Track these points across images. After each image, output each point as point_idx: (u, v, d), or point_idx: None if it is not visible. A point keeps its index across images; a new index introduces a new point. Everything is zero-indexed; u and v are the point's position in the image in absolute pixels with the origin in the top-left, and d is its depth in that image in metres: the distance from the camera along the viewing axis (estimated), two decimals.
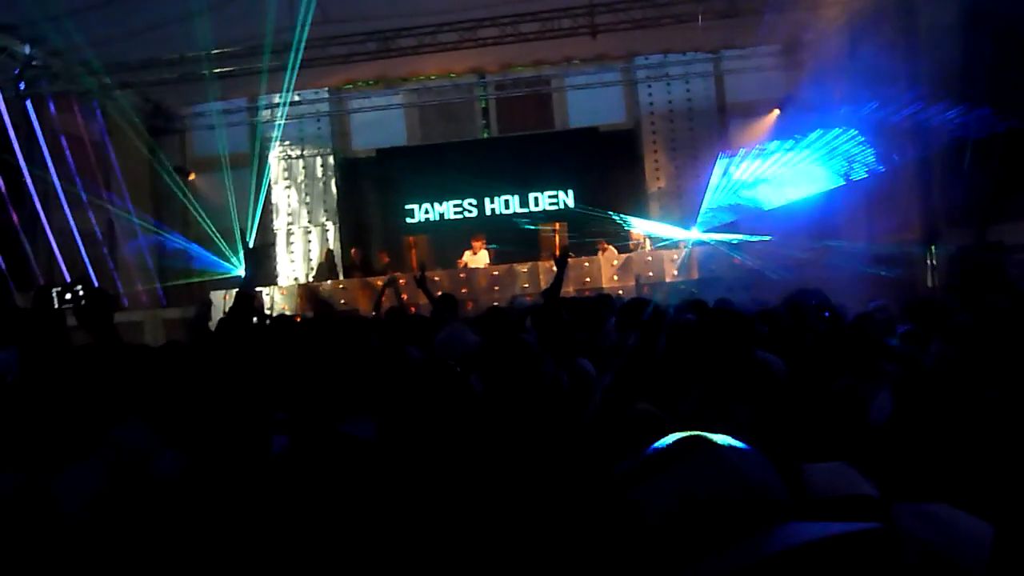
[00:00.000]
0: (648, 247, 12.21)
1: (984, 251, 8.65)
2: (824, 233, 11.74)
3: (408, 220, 14.54)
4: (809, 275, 10.29)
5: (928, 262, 9.83)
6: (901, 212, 10.59)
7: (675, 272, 11.15)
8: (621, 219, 12.78)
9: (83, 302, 2.18)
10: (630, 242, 12.34)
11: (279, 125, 14.96)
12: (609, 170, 14.35)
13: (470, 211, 14.63)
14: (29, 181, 11.19)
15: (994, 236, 9.04)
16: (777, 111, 14.02)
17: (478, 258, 12.16)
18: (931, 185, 9.86)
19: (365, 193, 15.25)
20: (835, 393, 2.98)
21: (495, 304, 10.04)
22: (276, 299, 12.01)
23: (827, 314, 4.51)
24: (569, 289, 10.90)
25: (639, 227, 12.60)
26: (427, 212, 14.67)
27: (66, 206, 11.66)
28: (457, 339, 3.43)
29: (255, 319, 2.65)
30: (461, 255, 12.35)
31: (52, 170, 11.52)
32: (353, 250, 13.80)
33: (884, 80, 10.81)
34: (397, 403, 2.43)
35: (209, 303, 2.68)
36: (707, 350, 2.58)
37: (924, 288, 9.45)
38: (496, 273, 11.65)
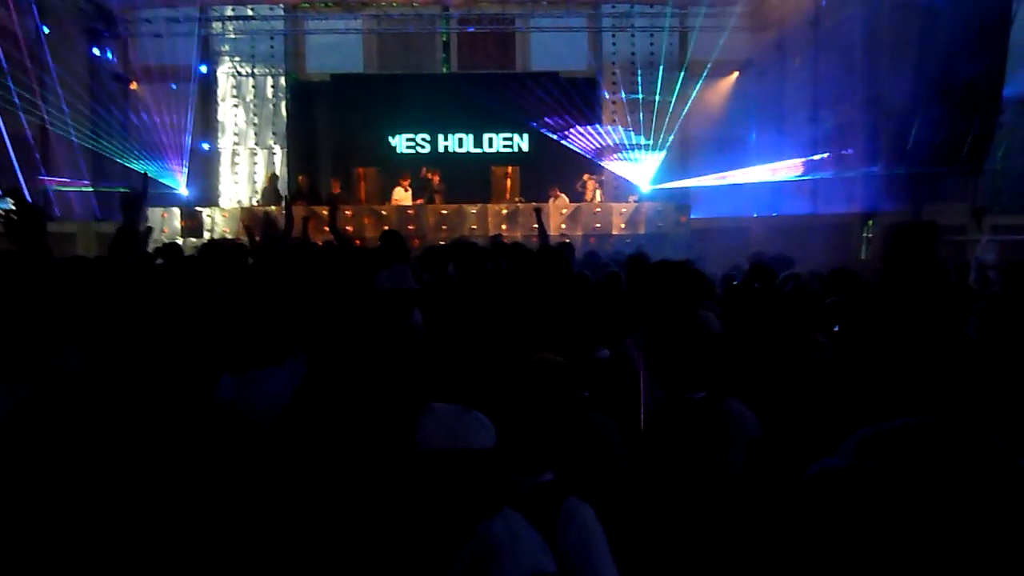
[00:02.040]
0: (599, 198, 12.26)
1: (916, 229, 8.96)
2: (770, 200, 11.99)
3: (360, 151, 14.24)
4: (752, 239, 10.54)
5: (864, 235, 10.14)
6: (843, 186, 10.87)
7: (622, 225, 11.25)
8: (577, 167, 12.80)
9: (13, 217, 2.09)
10: (583, 189, 12.35)
11: (230, 39, 14.39)
12: (566, 117, 14.26)
13: (423, 147, 14.41)
14: None
15: (929, 215, 9.37)
16: (737, 73, 14.09)
17: (406, 195, 12.02)
18: (875, 161, 10.12)
19: (317, 119, 14.84)
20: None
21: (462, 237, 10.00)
22: (217, 220, 11.71)
23: (757, 284, 4.62)
24: (517, 235, 10.91)
25: (594, 177, 12.61)
26: (379, 144, 14.38)
27: None
28: (398, 278, 3.43)
29: (140, 254, 2.58)
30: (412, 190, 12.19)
31: None
32: (300, 177, 13.49)
33: (842, 53, 10.95)
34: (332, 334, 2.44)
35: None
36: (650, 301, 2.64)
37: (857, 260, 9.77)
38: (444, 212, 11.56)
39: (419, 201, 11.91)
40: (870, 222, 10.26)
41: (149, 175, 2.94)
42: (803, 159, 11.55)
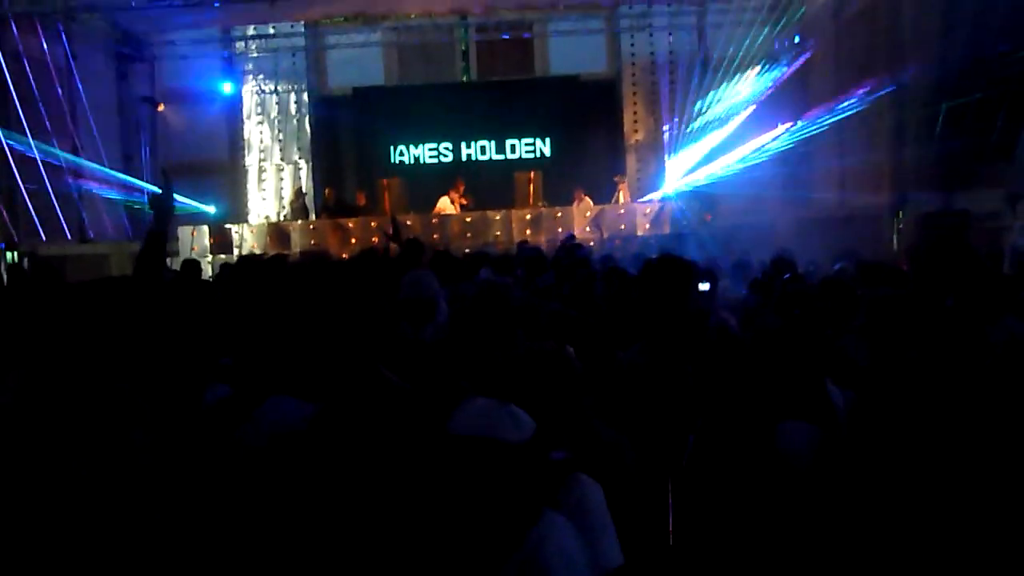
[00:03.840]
0: (626, 200, 12.20)
1: (950, 218, 8.77)
2: (796, 195, 11.82)
3: (383, 162, 14.35)
4: (780, 234, 10.40)
5: (895, 225, 9.95)
6: (872, 175, 10.68)
7: (647, 226, 11.18)
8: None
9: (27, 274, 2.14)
10: (616, 187, 12.26)
11: (253, 58, 14.61)
12: (588, 120, 14.24)
13: (445, 155, 14.47)
14: None
15: (961, 203, 9.16)
16: (758, 67, 13.93)
17: (456, 205, 12.04)
18: (903, 149, 9.93)
19: (340, 132, 15.00)
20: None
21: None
22: (245, 236, 11.87)
23: (788, 275, 4.57)
24: (541, 239, 10.90)
25: (621, 177, 12.56)
26: (403, 154, 14.48)
27: (28, 133, 11.32)
28: (421, 285, 3.44)
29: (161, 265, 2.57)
30: (435, 199, 12.24)
31: (13, 94, 11.15)
32: (328, 190, 13.63)
33: (865, 42, 10.78)
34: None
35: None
36: (647, 300, 2.61)
37: (889, 251, 9.59)
38: (469, 220, 11.60)
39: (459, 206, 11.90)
40: (900, 212, 10.07)
41: (167, 172, 2.95)
42: (830, 147, 11.37)
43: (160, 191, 2.59)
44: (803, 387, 2.17)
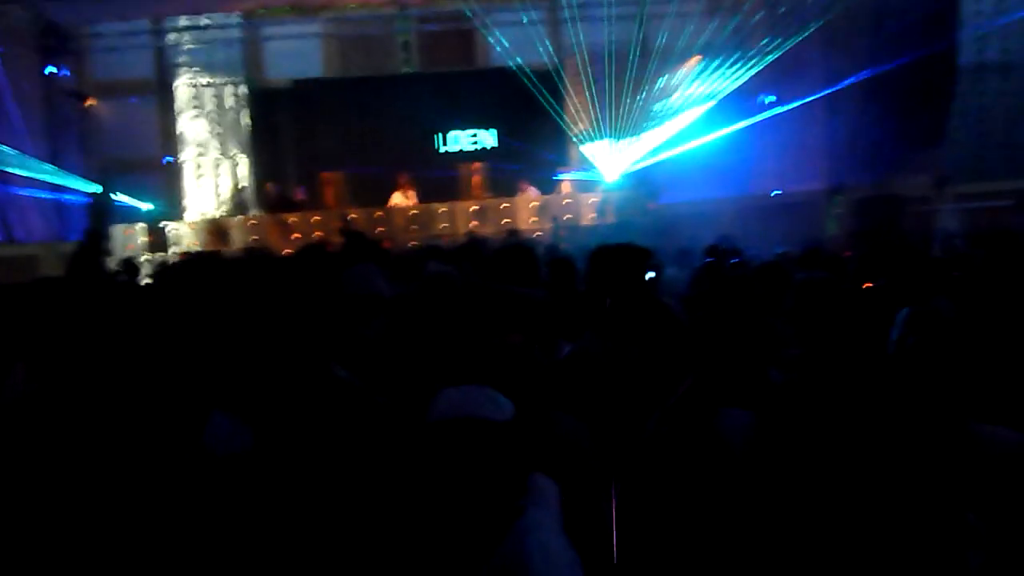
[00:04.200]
0: (568, 190, 12.25)
1: (882, 202, 9.06)
2: (737, 182, 12.06)
3: (324, 155, 14.10)
4: (721, 221, 10.59)
5: (832, 211, 10.23)
6: (808, 162, 10.96)
7: (592, 215, 11.26)
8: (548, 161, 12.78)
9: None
10: (556, 184, 12.33)
11: (186, 50, 14.19)
12: (531, 110, 14.23)
13: (390, 148, 14.29)
14: None
15: (894, 188, 9.47)
16: (699, 57, 14.13)
17: (408, 198, 11.93)
18: (838, 137, 10.21)
19: (280, 125, 14.67)
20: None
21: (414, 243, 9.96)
22: (182, 234, 11.55)
23: (736, 259, 4.65)
24: (487, 230, 10.88)
25: (564, 169, 12.62)
26: (345, 147, 14.25)
27: None
28: (365, 279, 3.38)
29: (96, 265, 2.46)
30: (378, 193, 12.10)
31: None
32: (267, 185, 13.35)
33: (798, 30, 11.02)
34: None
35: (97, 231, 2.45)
36: (600, 285, 2.62)
37: (826, 235, 9.85)
38: (414, 213, 11.51)
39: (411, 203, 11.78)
40: (837, 197, 10.36)
41: (106, 170, 2.84)
42: (768, 137, 11.63)
43: (99, 190, 2.50)
44: (744, 373, 2.19)
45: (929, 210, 9.05)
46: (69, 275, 2.40)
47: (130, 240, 11.24)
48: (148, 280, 7.14)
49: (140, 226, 11.48)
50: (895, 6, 9.12)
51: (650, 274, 3.53)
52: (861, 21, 9.66)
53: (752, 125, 12.17)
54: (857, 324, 2.55)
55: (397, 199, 11.85)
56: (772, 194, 11.54)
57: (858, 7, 9.82)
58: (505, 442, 1.58)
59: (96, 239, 2.43)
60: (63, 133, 13.15)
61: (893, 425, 1.31)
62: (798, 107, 11.42)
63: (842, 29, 10.21)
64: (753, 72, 11.91)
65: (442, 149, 14.23)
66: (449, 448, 1.56)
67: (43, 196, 12.29)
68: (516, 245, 4.13)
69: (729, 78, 12.70)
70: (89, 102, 13.60)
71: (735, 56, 13.04)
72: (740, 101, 12.33)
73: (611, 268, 2.66)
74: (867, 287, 3.80)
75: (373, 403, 2.14)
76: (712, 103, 12.64)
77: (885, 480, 1.29)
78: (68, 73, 13.60)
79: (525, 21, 13.62)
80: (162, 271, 6.63)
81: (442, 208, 11.43)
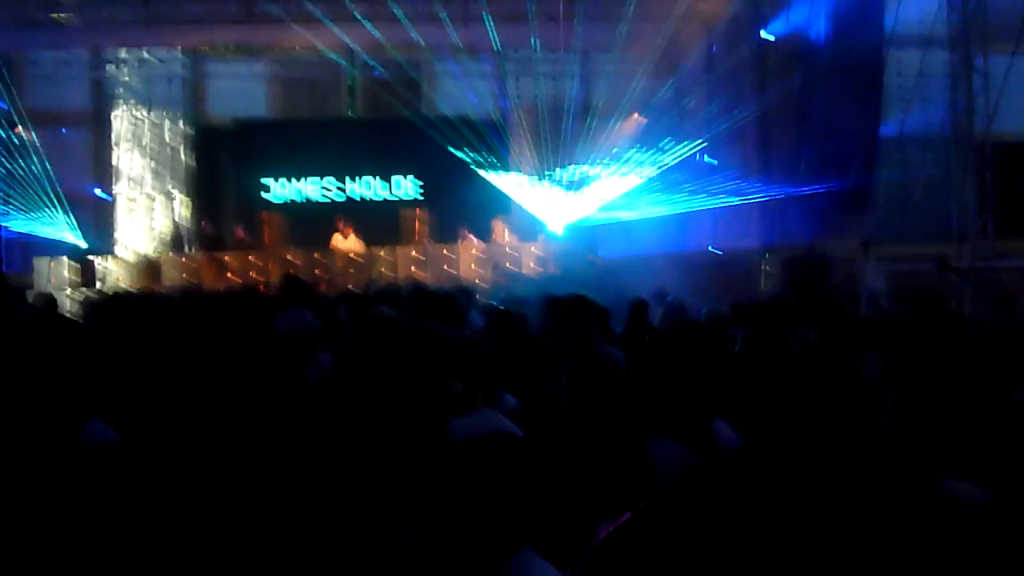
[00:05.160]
0: (507, 238, 12.35)
1: (812, 262, 9.40)
2: (674, 237, 12.37)
3: (264, 195, 13.90)
4: (660, 276, 10.81)
5: (763, 268, 10.56)
6: (740, 222, 11.34)
7: (532, 264, 11.36)
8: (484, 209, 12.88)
9: None
10: (491, 233, 12.42)
11: (126, 83, 13.93)
12: (474, 159, 14.38)
13: (329, 191, 14.19)
14: None
15: (820, 248, 9.86)
16: (637, 115, 14.58)
17: (349, 242, 11.81)
18: (768, 197, 10.61)
19: (219, 163, 14.43)
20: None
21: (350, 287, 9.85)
22: (111, 269, 11.18)
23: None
24: (428, 277, 10.86)
25: (501, 220, 12.73)
26: (285, 188, 14.09)
27: None
28: (295, 320, 3.33)
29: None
30: (319, 235, 11.97)
31: None
32: (203, 222, 13.08)
33: (734, 96, 11.51)
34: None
35: None
36: (563, 338, 2.65)
37: (758, 291, 10.15)
38: (354, 256, 11.41)
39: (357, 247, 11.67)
40: (767, 256, 10.72)
41: None
42: (702, 195, 12.00)
43: None
44: (685, 418, 2.24)
45: (855, 270, 9.44)
46: None
47: (53, 273, 10.81)
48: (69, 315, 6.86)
49: (64, 259, 11.06)
50: (821, 75, 9.64)
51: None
52: (789, 87, 10.17)
53: (688, 182, 12.56)
54: (804, 379, 2.63)
55: (337, 241, 11.75)
56: (709, 249, 11.87)
57: (786, 74, 10.35)
58: (528, 458, 1.62)
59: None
60: None
61: (863, 488, 1.34)
62: (732, 166, 11.86)
63: (772, 94, 10.71)
64: (693, 139, 12.35)
65: (383, 194, 14.22)
66: (485, 463, 1.57)
67: None
68: (445, 292, 4.15)
69: (669, 138, 13.13)
70: (17, 129, 13.15)
71: (674, 115, 13.51)
72: (681, 162, 12.72)
73: (574, 318, 2.69)
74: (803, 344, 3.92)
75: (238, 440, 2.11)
76: (653, 165, 13.02)
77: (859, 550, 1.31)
78: (2, 103, 13.18)
79: (466, 74, 13.88)
80: (88, 309, 6.39)
81: (381, 251, 11.37)
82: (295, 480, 1.65)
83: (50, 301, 7.25)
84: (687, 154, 12.92)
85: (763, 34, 10.98)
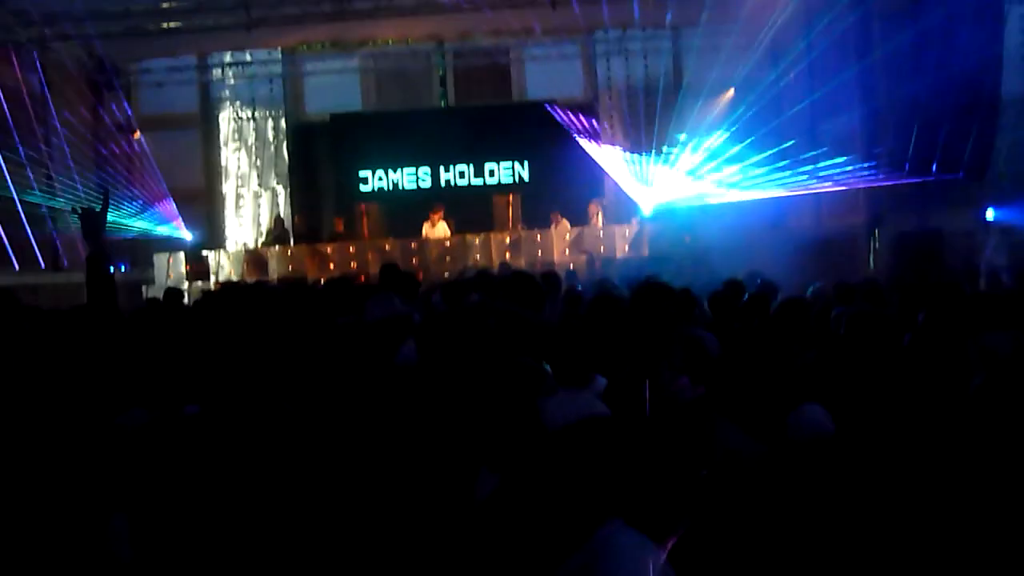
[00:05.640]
0: (600, 223, 12.22)
1: (924, 238, 8.87)
2: (774, 214, 11.92)
3: (361, 187, 14.29)
4: (758, 255, 10.45)
5: (871, 245, 10.04)
6: (848, 196, 10.78)
7: (626, 248, 11.20)
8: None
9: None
10: (588, 217, 12.31)
11: (230, 85, 14.58)
12: (565, 143, 14.30)
13: (424, 180, 14.45)
14: None
15: (935, 222, 9.27)
16: (732, 91, 14.10)
17: (437, 230, 12.01)
18: (877, 170, 10.04)
19: (318, 158, 14.95)
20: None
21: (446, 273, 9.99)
22: (222, 263, 11.75)
23: (746, 296, 4.58)
24: (521, 262, 10.89)
25: (596, 203, 12.60)
26: (380, 180, 14.43)
27: (2, 162, 11.19)
28: (384, 307, 3.39)
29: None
30: (414, 224, 12.20)
31: None
32: (296, 217, 13.60)
33: (836, 65, 10.94)
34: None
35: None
36: (635, 324, 2.59)
37: (866, 270, 9.66)
38: (448, 244, 11.57)
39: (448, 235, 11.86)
40: (876, 232, 10.17)
41: (108, 191, 2.90)
42: (805, 171, 11.49)
43: (88, 207, 2.54)
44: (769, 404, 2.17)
45: (973, 244, 8.84)
46: (88, 305, 2.45)
47: (172, 268, 11.47)
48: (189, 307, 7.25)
49: (180, 255, 11.71)
50: (936, 37, 9.00)
51: None
52: (896, 51, 9.54)
53: (789, 157, 12.06)
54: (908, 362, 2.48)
55: (427, 230, 11.94)
56: (778, 229, 11.38)
57: (893, 38, 9.72)
58: (621, 436, 1.62)
59: (98, 264, 2.45)
60: (110, 163, 13.54)
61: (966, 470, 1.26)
62: (836, 138, 11.29)
63: (878, 60, 10.10)
64: (793, 110, 11.84)
65: (476, 181, 14.34)
66: (585, 448, 1.60)
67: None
68: (520, 273, 4.11)
69: (764, 112, 12.64)
70: (136, 135, 14.00)
71: (769, 88, 12.99)
72: (781, 135, 12.23)
73: (659, 309, 2.64)
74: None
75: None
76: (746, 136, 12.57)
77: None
78: (116, 108, 14.04)
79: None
80: (202, 299, 6.74)
81: (476, 239, 11.48)
82: (365, 466, 1.68)
83: (174, 294, 7.69)
84: (787, 127, 12.42)
85: None
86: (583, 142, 13.72)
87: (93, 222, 2.51)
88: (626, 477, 1.59)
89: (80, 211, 2.55)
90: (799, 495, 1.38)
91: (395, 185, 14.41)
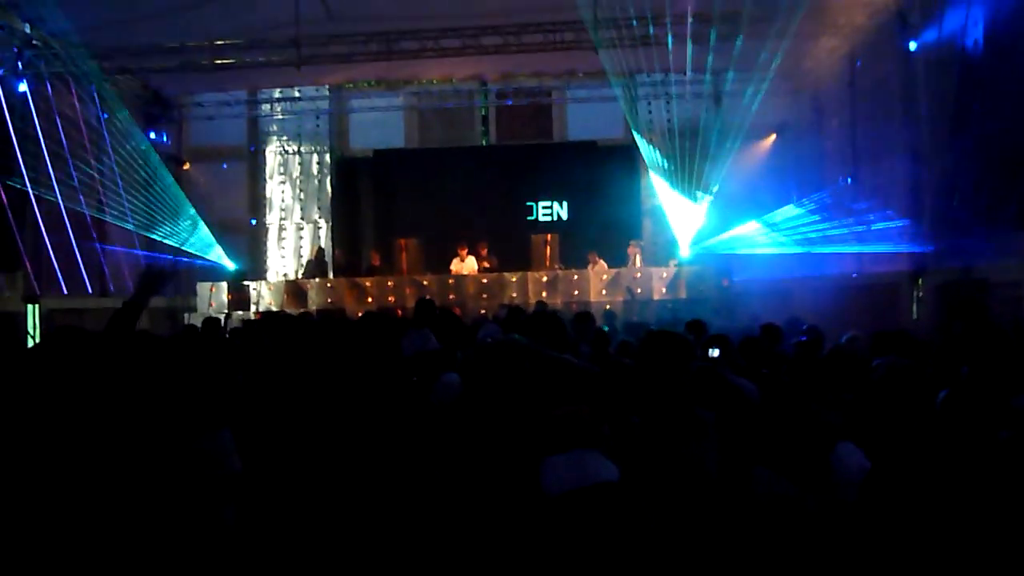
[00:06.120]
0: (639, 264, 12.19)
1: (969, 287, 8.69)
2: (814, 260, 11.79)
3: (402, 223, 14.48)
4: (797, 302, 10.32)
5: (914, 294, 9.85)
6: (888, 243, 10.61)
7: (664, 290, 11.15)
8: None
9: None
10: (627, 259, 12.29)
11: (277, 120, 14.97)
12: (605, 185, 14.35)
13: (463, 217, 14.58)
14: (20, 159, 11.11)
15: (980, 272, 9.06)
16: (775, 135, 14.08)
17: (466, 265, 12.12)
18: (920, 220, 9.90)
19: (360, 193, 15.22)
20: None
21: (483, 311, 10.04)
22: (263, 293, 11.95)
23: (803, 337, 4.51)
24: (557, 301, 10.90)
25: (635, 245, 12.59)
26: (421, 216, 14.62)
27: (57, 189, 11.58)
28: (418, 342, 3.43)
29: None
30: (452, 260, 12.32)
31: (45, 151, 11.44)
32: (336, 251, 13.81)
33: (881, 112, 10.88)
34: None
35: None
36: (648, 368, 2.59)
37: (908, 320, 9.48)
38: (485, 281, 11.63)
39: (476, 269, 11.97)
40: (920, 281, 9.98)
41: (178, 265, 3.02)
42: (846, 219, 11.37)
43: (164, 268, 2.63)
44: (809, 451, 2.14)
45: (1020, 295, 8.62)
46: (105, 332, 2.52)
47: (214, 297, 11.70)
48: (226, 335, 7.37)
49: (223, 284, 11.94)
50: (978, 85, 8.90)
51: (715, 352, 3.46)
52: (942, 100, 9.45)
53: (830, 204, 11.96)
54: (945, 412, 2.43)
55: (455, 266, 12.05)
56: (852, 275, 11.22)
57: (938, 86, 9.64)
58: (624, 503, 1.61)
59: (133, 310, 2.52)
60: (160, 192, 13.92)
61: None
62: (878, 186, 11.17)
63: (923, 108, 10.01)
64: (835, 158, 11.76)
65: (514, 221, 14.42)
66: (583, 517, 1.58)
67: (136, 253, 12.95)
68: (544, 313, 4.12)
69: (805, 157, 12.59)
70: (186, 167, 14.42)
71: (811, 135, 12.94)
72: (818, 180, 12.15)
73: (658, 357, 2.63)
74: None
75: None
76: (787, 182, 12.50)
77: None
78: (167, 139, 14.50)
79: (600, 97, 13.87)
80: (244, 328, 6.87)
81: (513, 277, 11.53)
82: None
83: (212, 323, 7.83)
84: (828, 175, 12.33)
85: (912, 45, 10.32)
86: (623, 184, 13.77)
87: (155, 282, 2.60)
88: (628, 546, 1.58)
89: (153, 268, 2.64)
90: (864, 533, 1.34)
91: (435, 221, 14.57)
